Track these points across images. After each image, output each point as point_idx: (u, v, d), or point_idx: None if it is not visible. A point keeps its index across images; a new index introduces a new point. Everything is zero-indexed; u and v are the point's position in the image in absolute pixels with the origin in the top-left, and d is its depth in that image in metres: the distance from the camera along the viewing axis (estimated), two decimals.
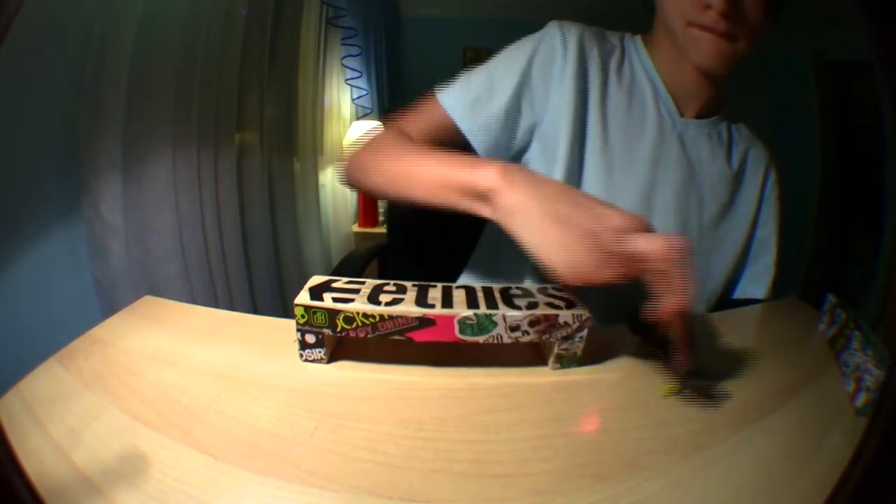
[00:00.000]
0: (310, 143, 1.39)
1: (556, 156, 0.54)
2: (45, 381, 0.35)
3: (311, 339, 0.38)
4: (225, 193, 0.92)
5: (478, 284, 0.41)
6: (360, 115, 1.80)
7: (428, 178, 0.43)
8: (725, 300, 0.62)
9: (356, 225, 1.78)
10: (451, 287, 0.40)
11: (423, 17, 2.08)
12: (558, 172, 0.54)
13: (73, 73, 0.61)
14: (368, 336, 0.37)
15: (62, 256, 0.62)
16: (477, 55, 2.10)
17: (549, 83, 0.55)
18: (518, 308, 0.37)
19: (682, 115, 0.57)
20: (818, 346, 0.46)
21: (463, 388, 0.36)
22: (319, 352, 0.38)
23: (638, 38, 0.60)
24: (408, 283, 0.40)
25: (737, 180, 0.60)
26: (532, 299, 0.38)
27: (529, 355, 0.41)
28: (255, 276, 1.03)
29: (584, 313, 0.37)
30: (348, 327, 0.36)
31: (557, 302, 0.38)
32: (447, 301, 0.37)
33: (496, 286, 0.41)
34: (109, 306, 0.64)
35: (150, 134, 0.73)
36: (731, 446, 0.31)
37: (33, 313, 0.55)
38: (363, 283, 0.40)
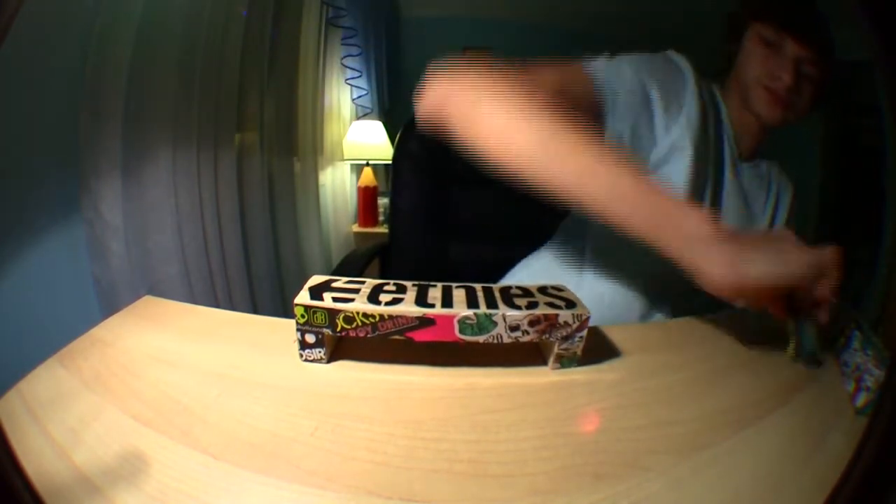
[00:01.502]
0: (310, 143, 1.39)
1: (679, 167, 0.60)
2: (45, 381, 0.35)
3: (311, 338, 0.38)
4: (225, 193, 0.92)
5: (478, 284, 0.41)
6: (360, 115, 1.80)
7: (614, 188, 0.39)
8: None
9: (356, 225, 1.78)
10: (451, 287, 0.40)
11: (423, 17, 2.08)
12: (681, 179, 0.60)
13: (73, 73, 0.61)
14: (368, 336, 0.37)
15: (62, 256, 0.62)
16: (477, 55, 2.10)
17: (681, 95, 0.61)
18: (518, 308, 0.37)
19: (741, 158, 0.68)
20: None
21: (463, 388, 0.36)
22: (319, 352, 0.38)
23: (717, 88, 0.69)
24: (408, 283, 0.40)
25: (774, 207, 0.69)
26: (532, 299, 0.38)
27: (529, 355, 0.41)
28: (255, 276, 1.03)
29: (584, 313, 0.37)
30: (348, 327, 0.36)
31: (557, 302, 0.38)
32: (447, 301, 0.37)
33: (496, 286, 0.41)
34: (109, 306, 0.64)
35: (150, 134, 0.73)
36: (731, 446, 0.31)
37: (33, 313, 0.55)
38: (363, 282, 0.40)
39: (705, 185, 0.63)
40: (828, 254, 0.37)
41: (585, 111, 0.52)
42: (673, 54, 0.65)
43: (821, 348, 0.41)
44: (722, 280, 0.36)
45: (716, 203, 0.65)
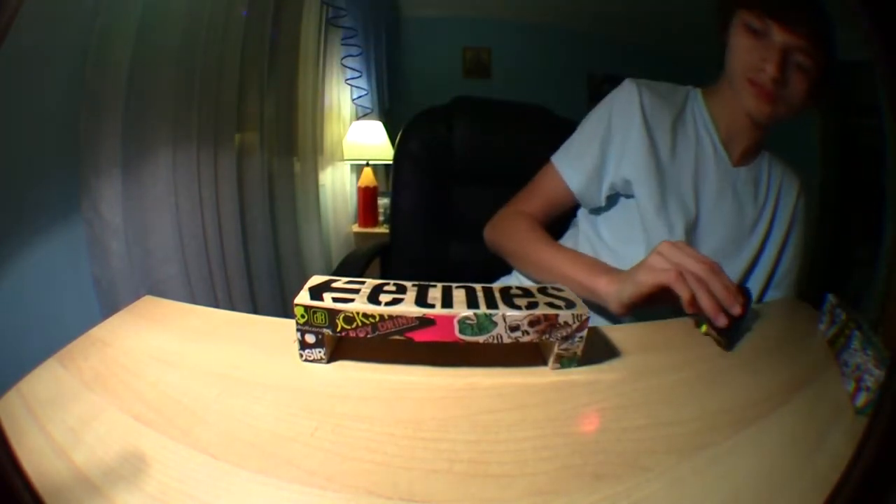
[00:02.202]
0: (310, 143, 1.39)
1: (640, 205, 0.64)
2: (45, 381, 0.35)
3: (311, 339, 0.38)
4: (225, 193, 0.92)
5: (478, 285, 0.41)
6: (360, 115, 1.80)
7: (554, 271, 0.61)
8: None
9: (356, 225, 1.78)
10: (451, 287, 0.40)
11: (423, 17, 2.08)
12: (647, 217, 0.64)
13: (73, 73, 0.61)
14: (368, 336, 0.37)
15: (62, 256, 0.62)
16: (477, 55, 2.10)
17: (626, 139, 0.65)
18: (518, 308, 0.37)
19: (732, 162, 0.66)
20: (818, 346, 0.46)
21: (463, 388, 0.36)
22: (319, 352, 0.38)
23: (699, 92, 0.69)
24: (408, 283, 0.40)
25: (773, 210, 0.68)
26: (532, 299, 0.38)
27: (529, 355, 0.41)
28: (255, 276, 1.03)
29: (584, 313, 0.37)
30: (348, 327, 0.36)
31: (557, 302, 0.38)
32: (447, 301, 0.37)
33: (496, 286, 0.41)
34: (109, 306, 0.64)
35: (150, 134, 0.73)
36: (731, 446, 0.31)
37: (33, 313, 0.55)
38: (363, 282, 0.40)
39: (674, 208, 0.63)
40: (661, 248, 0.48)
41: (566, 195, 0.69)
42: (624, 88, 0.67)
43: (730, 332, 0.44)
44: (618, 309, 0.52)
45: (697, 219, 0.65)
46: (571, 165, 0.68)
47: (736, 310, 0.43)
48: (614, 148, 0.65)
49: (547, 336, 0.37)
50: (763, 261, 0.67)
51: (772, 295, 0.68)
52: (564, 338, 0.38)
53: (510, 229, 0.71)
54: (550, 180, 0.70)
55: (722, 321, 0.43)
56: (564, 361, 0.39)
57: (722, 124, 0.66)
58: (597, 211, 0.70)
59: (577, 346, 0.38)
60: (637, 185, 0.64)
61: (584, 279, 0.56)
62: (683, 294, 0.44)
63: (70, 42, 0.60)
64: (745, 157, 0.67)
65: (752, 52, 0.59)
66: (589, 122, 0.69)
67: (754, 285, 0.67)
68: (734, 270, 0.65)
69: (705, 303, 0.43)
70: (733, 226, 0.66)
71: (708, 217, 0.65)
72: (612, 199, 0.68)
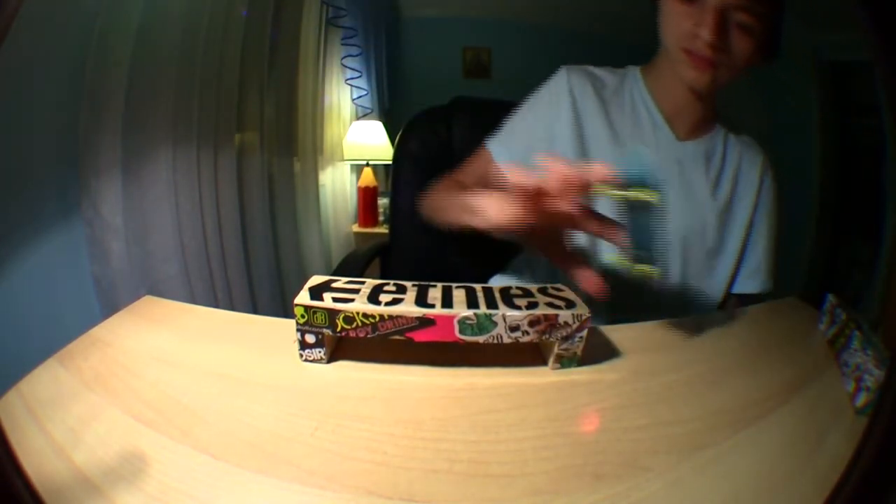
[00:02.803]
0: (310, 143, 1.39)
1: None
2: (45, 381, 0.35)
3: (311, 339, 0.38)
4: (225, 193, 0.92)
5: (477, 285, 0.41)
6: (360, 115, 1.79)
7: (451, 207, 0.56)
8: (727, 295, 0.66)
9: (356, 225, 1.78)
10: (450, 287, 0.40)
11: (423, 17, 2.08)
12: None
13: (73, 73, 0.61)
14: (368, 336, 0.37)
15: (62, 256, 0.62)
16: (477, 55, 2.10)
17: (553, 126, 0.63)
18: (518, 308, 0.37)
19: (678, 137, 0.62)
20: (818, 346, 0.46)
21: (463, 388, 0.36)
22: (319, 352, 0.38)
23: (638, 71, 0.66)
24: (408, 283, 0.40)
25: (733, 187, 0.64)
26: (532, 299, 0.38)
27: (529, 355, 0.41)
28: (255, 276, 1.03)
29: (584, 313, 0.37)
30: (348, 327, 0.36)
31: (557, 302, 0.38)
32: (447, 301, 0.37)
33: (496, 286, 0.41)
34: (109, 306, 0.64)
35: (150, 134, 0.73)
36: (731, 446, 0.31)
37: (33, 313, 0.55)
38: (363, 282, 0.40)
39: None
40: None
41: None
42: (556, 75, 0.65)
43: None
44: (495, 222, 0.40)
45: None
46: (503, 145, 0.65)
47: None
48: (543, 134, 0.63)
49: (547, 336, 0.37)
50: (729, 243, 0.64)
51: (749, 285, 0.66)
52: (564, 338, 0.38)
53: (438, 192, 0.65)
54: (483, 161, 0.67)
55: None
56: (564, 361, 0.39)
57: (664, 100, 0.63)
58: None
59: (577, 346, 0.38)
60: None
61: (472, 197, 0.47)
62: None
63: (70, 42, 0.60)
64: (694, 132, 0.63)
65: (684, 19, 0.54)
66: (522, 109, 0.67)
67: (722, 271, 0.64)
68: (699, 257, 0.62)
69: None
70: (685, 207, 0.62)
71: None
72: None
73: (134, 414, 0.32)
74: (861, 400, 0.35)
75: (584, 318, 0.37)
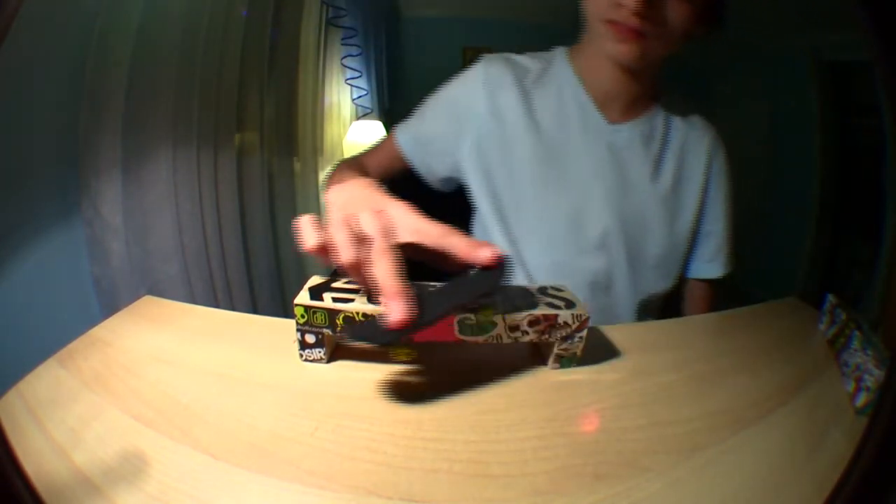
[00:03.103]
0: (310, 143, 1.39)
1: (484, 185, 0.60)
2: (45, 381, 0.35)
3: (310, 339, 0.38)
4: (225, 193, 0.92)
5: None
6: (360, 115, 1.79)
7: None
8: (682, 280, 0.65)
9: None
10: None
11: (423, 17, 2.08)
12: (487, 198, 0.60)
13: (73, 73, 0.61)
14: None
15: (62, 256, 0.62)
16: (476, 55, 2.10)
17: (468, 118, 0.60)
18: (517, 308, 0.37)
19: (610, 120, 0.58)
20: (818, 346, 0.46)
21: (463, 388, 0.36)
22: (319, 352, 0.38)
23: (566, 52, 0.62)
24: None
25: (678, 170, 0.60)
26: (531, 299, 0.38)
27: (529, 355, 0.41)
28: (255, 276, 1.03)
29: (584, 313, 0.37)
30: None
31: (557, 302, 0.38)
32: None
33: None
34: (109, 306, 0.64)
35: (150, 134, 0.73)
36: (731, 446, 0.31)
37: (33, 313, 0.55)
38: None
39: (541, 176, 0.57)
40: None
41: (405, 167, 0.64)
42: (474, 64, 0.62)
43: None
44: None
45: (566, 180, 0.58)
46: (409, 132, 0.63)
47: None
48: (449, 127, 0.61)
49: (547, 336, 0.37)
50: (678, 227, 0.61)
51: (710, 269, 0.64)
52: (564, 338, 0.38)
53: (338, 173, 0.61)
54: (387, 146, 0.65)
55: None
56: (564, 361, 0.39)
57: (592, 81, 0.58)
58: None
59: (577, 346, 0.38)
60: (478, 167, 0.59)
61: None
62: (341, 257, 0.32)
63: (70, 42, 0.60)
64: (628, 113, 0.59)
65: None
66: (435, 96, 0.64)
67: (673, 257, 0.61)
68: (642, 245, 0.59)
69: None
70: (620, 195, 0.58)
71: (584, 188, 0.58)
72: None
73: (134, 414, 0.32)
74: (861, 400, 0.35)
75: (583, 318, 0.37)
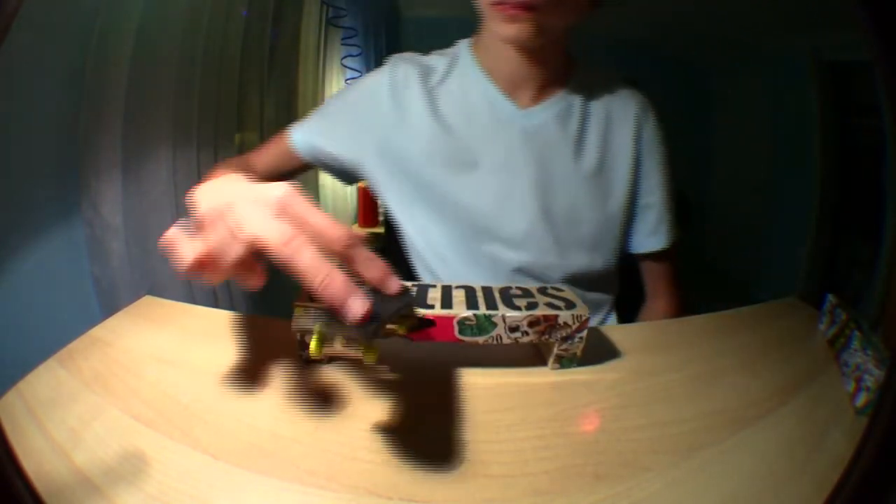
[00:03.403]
0: None
1: (391, 185, 0.60)
2: (45, 381, 0.35)
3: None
4: None
5: (477, 285, 0.41)
6: None
7: None
8: (627, 256, 0.64)
9: (356, 225, 1.78)
10: (450, 287, 0.40)
11: (423, 17, 2.08)
12: (394, 195, 0.60)
13: (73, 73, 0.61)
14: None
15: (62, 256, 0.62)
16: None
17: (373, 120, 0.59)
18: (517, 308, 0.37)
19: (521, 106, 0.57)
20: (818, 346, 0.46)
21: (463, 388, 0.36)
22: None
23: (469, 45, 0.60)
24: (407, 284, 0.40)
25: (603, 146, 0.58)
26: (531, 300, 0.38)
27: (529, 355, 0.41)
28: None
29: (584, 314, 0.37)
30: None
31: (557, 302, 0.38)
32: (446, 301, 0.37)
33: (495, 286, 0.41)
34: (109, 306, 0.64)
35: (150, 134, 0.73)
36: (731, 446, 0.31)
37: (33, 313, 0.55)
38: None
39: (454, 169, 0.56)
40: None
41: (298, 167, 0.63)
42: (380, 67, 0.61)
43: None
44: None
45: (483, 172, 0.56)
46: (306, 131, 0.62)
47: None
48: (351, 128, 0.60)
49: (547, 337, 0.37)
50: (610, 204, 0.58)
51: (653, 242, 0.62)
52: (564, 338, 0.38)
53: (217, 171, 0.56)
54: (282, 146, 0.63)
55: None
56: (564, 361, 0.39)
57: (496, 70, 0.56)
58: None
59: (577, 347, 0.38)
60: (383, 168, 0.59)
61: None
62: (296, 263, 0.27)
63: (70, 42, 0.60)
64: (540, 96, 0.57)
65: None
66: (338, 96, 0.64)
67: (606, 235, 0.59)
68: (571, 228, 0.58)
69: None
70: (543, 179, 0.56)
71: (503, 180, 0.56)
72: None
73: (134, 414, 0.32)
74: (861, 400, 0.35)
75: (583, 318, 0.37)
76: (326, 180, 1.59)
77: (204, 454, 0.28)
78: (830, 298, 0.49)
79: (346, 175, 0.64)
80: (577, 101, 0.58)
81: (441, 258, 0.60)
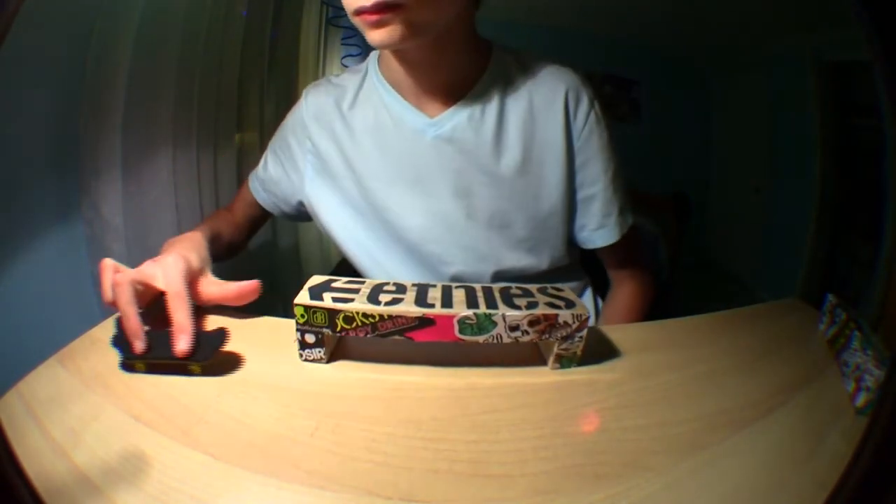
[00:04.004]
0: None
1: (329, 216, 0.61)
2: (45, 381, 0.35)
3: (310, 338, 0.38)
4: (225, 193, 0.92)
5: (477, 284, 0.41)
6: None
7: None
8: (583, 252, 0.62)
9: None
10: (450, 287, 0.40)
11: None
12: (334, 232, 0.61)
13: (72, 73, 0.61)
14: (368, 336, 0.37)
15: (62, 256, 0.62)
16: None
17: (302, 155, 0.61)
18: (518, 308, 0.37)
19: (432, 115, 0.54)
20: (818, 346, 0.46)
21: (463, 388, 0.36)
22: (319, 352, 0.38)
23: (375, 60, 0.58)
24: (407, 283, 0.40)
25: (527, 141, 0.53)
26: (532, 299, 0.38)
27: (529, 355, 0.41)
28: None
29: (584, 313, 0.37)
30: (348, 327, 0.36)
31: (557, 302, 0.38)
32: (447, 301, 0.37)
33: (496, 286, 0.41)
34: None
35: (150, 134, 0.73)
36: (731, 446, 0.31)
37: (33, 313, 0.55)
38: (363, 282, 0.40)
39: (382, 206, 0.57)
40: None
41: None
42: (300, 102, 0.61)
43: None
44: None
45: (414, 186, 0.55)
46: (257, 179, 0.66)
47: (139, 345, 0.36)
48: (289, 165, 0.62)
49: (547, 336, 0.37)
50: (544, 203, 0.55)
51: (603, 236, 0.58)
52: (564, 338, 0.38)
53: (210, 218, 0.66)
54: (245, 195, 0.68)
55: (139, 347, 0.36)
56: (564, 361, 0.39)
57: (398, 81, 0.54)
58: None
59: (577, 346, 0.38)
60: (319, 199, 0.60)
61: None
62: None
63: (70, 42, 0.60)
64: (450, 99, 0.53)
65: None
66: (273, 138, 0.65)
67: (543, 235, 0.56)
68: (504, 234, 0.55)
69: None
70: (463, 186, 0.54)
71: (426, 194, 0.55)
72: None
73: (134, 414, 0.32)
74: (861, 400, 0.35)
75: (583, 318, 0.37)
76: None
77: (204, 454, 0.28)
78: (830, 298, 0.49)
79: (297, 216, 0.66)
80: (493, 97, 0.53)
81: (386, 272, 0.60)
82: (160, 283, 0.40)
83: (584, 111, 0.54)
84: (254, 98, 1.03)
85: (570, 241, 0.60)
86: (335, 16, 1.46)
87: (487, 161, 0.53)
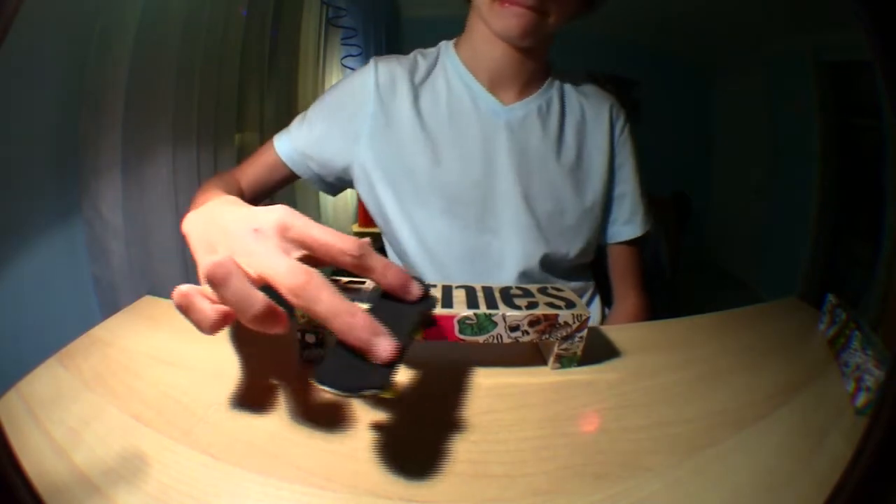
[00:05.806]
0: None
1: (380, 189, 0.60)
2: (45, 381, 0.35)
3: (311, 338, 0.38)
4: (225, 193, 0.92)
5: (477, 284, 0.41)
6: None
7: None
8: (602, 249, 0.68)
9: (356, 225, 1.78)
10: (450, 287, 0.40)
11: (423, 17, 2.08)
12: (386, 202, 0.60)
13: (72, 73, 0.61)
14: None
15: (62, 256, 0.62)
16: None
17: (358, 124, 0.60)
18: (518, 308, 0.37)
19: (505, 103, 0.60)
20: (818, 346, 0.46)
21: (463, 388, 0.36)
22: (319, 352, 0.38)
23: (451, 45, 0.64)
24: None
25: (580, 142, 0.62)
26: (532, 299, 0.38)
27: (529, 355, 0.41)
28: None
29: (584, 313, 0.37)
30: None
31: (557, 302, 0.38)
32: (447, 301, 0.37)
33: (496, 286, 0.41)
34: (109, 306, 0.64)
35: (150, 134, 0.73)
36: (731, 446, 0.31)
37: (33, 313, 0.55)
38: (363, 282, 0.40)
39: (439, 183, 0.58)
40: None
41: (287, 177, 0.64)
42: (363, 67, 0.62)
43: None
44: None
45: (470, 170, 0.58)
46: (289, 138, 0.62)
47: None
48: (344, 130, 0.60)
49: (547, 336, 0.37)
50: (588, 198, 0.62)
51: (628, 231, 0.66)
52: (564, 338, 0.38)
53: (202, 192, 0.55)
54: (268, 158, 0.64)
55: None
56: (564, 361, 0.39)
57: (481, 67, 0.59)
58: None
59: (577, 346, 0.38)
60: (376, 167, 0.59)
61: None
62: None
63: (70, 42, 0.60)
64: (523, 93, 0.61)
65: None
66: (321, 101, 0.64)
67: (585, 224, 0.62)
68: (554, 220, 0.60)
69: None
70: (526, 173, 0.59)
71: (489, 173, 0.58)
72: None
73: (134, 414, 0.32)
74: (861, 400, 0.35)
75: (583, 318, 0.37)
76: None
77: (204, 454, 0.28)
78: (830, 298, 0.49)
79: (332, 184, 0.65)
80: (555, 99, 0.62)
81: (434, 258, 0.60)
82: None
83: (622, 124, 0.65)
84: (254, 98, 1.03)
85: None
86: (335, 16, 1.46)
87: (550, 152, 0.60)
